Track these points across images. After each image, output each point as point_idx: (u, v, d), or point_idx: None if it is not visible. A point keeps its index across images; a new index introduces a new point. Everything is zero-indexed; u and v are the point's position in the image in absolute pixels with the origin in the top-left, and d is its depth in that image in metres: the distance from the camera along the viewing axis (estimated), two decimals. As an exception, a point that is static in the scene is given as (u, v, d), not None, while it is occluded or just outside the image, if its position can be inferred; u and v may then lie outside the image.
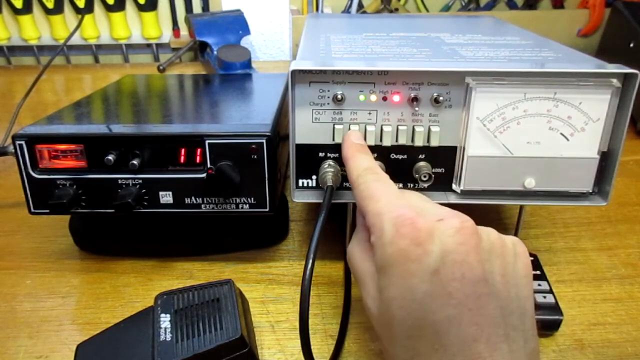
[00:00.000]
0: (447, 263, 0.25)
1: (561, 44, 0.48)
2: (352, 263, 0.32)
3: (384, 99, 0.38)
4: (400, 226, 0.27)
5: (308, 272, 0.32)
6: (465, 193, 0.41)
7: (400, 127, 0.39)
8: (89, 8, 1.05)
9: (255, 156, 0.41)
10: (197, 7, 1.09)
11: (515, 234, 0.46)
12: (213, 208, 0.43)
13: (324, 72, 0.38)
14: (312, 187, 0.41)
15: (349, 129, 0.39)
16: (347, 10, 1.08)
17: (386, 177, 0.32)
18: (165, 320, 0.34)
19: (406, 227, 0.26)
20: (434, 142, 0.39)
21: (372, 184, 0.31)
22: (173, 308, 0.35)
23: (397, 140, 0.39)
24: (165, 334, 0.33)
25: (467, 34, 0.54)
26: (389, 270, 0.27)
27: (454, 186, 0.41)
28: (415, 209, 0.28)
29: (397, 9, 1.07)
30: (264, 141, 0.40)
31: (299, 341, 0.32)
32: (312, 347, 0.32)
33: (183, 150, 0.41)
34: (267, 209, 0.43)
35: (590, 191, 0.40)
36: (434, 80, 0.38)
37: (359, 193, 0.31)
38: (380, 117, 0.39)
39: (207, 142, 0.41)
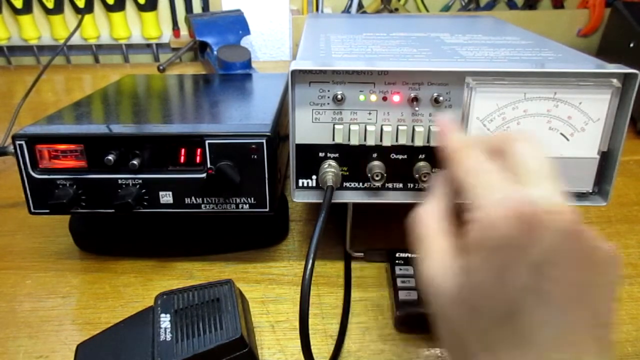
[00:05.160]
0: (551, 261, 0.24)
1: (561, 44, 0.48)
2: (422, 230, 0.29)
3: (384, 99, 0.38)
4: (512, 209, 0.24)
5: (308, 272, 0.32)
6: (465, 193, 0.40)
7: (400, 127, 0.39)
8: (89, 8, 1.05)
9: (255, 156, 0.41)
10: (197, 7, 1.09)
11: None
12: (213, 208, 0.43)
13: (324, 72, 0.38)
14: (312, 187, 0.41)
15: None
16: (347, 10, 1.08)
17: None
18: (165, 320, 0.34)
19: (518, 212, 0.24)
20: (434, 142, 0.39)
21: (481, 157, 0.28)
22: (173, 308, 0.35)
23: (397, 140, 0.39)
24: (165, 334, 0.33)
25: (467, 34, 0.54)
26: (486, 252, 0.24)
27: (454, 186, 0.41)
28: (529, 193, 0.25)
29: (397, 9, 1.07)
30: (264, 141, 0.40)
31: (299, 341, 0.32)
32: (312, 347, 0.32)
33: (183, 150, 0.41)
34: (267, 209, 0.43)
35: (590, 191, 0.40)
36: (434, 80, 0.38)
37: (462, 163, 0.28)
38: (380, 117, 0.39)
39: (207, 142, 0.41)
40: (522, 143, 0.28)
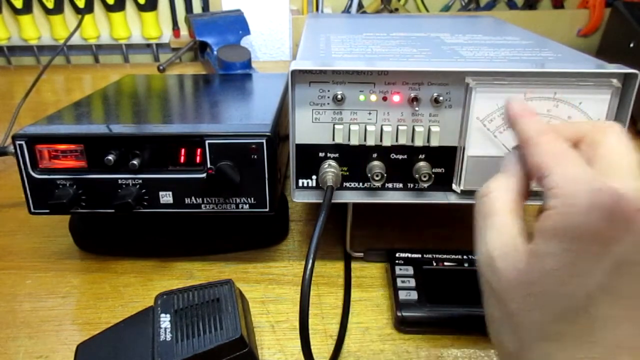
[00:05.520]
0: (631, 262, 0.23)
1: (561, 44, 0.48)
2: (492, 205, 0.28)
3: (384, 99, 0.38)
4: (600, 201, 0.23)
5: (308, 272, 0.32)
6: (465, 193, 0.41)
7: (400, 127, 0.39)
8: (89, 8, 1.05)
9: (255, 156, 0.41)
10: (197, 7, 1.09)
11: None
12: (213, 208, 0.43)
13: (324, 72, 0.38)
14: (312, 187, 0.41)
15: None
16: (347, 10, 1.08)
17: None
18: (165, 320, 0.34)
19: (607, 205, 0.23)
20: (434, 142, 0.39)
21: (564, 144, 0.26)
22: (173, 308, 0.35)
23: (397, 140, 0.39)
24: (165, 334, 0.33)
25: (467, 34, 0.54)
26: (567, 241, 0.23)
27: (454, 186, 0.41)
28: (619, 187, 0.23)
29: (397, 9, 1.07)
30: (264, 141, 0.40)
31: (299, 341, 0.32)
32: (312, 347, 0.32)
33: (183, 150, 0.41)
34: (267, 209, 0.43)
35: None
36: (434, 80, 0.38)
37: (543, 147, 0.26)
38: (380, 117, 0.39)
39: (207, 142, 0.41)
40: (615, 135, 0.27)
